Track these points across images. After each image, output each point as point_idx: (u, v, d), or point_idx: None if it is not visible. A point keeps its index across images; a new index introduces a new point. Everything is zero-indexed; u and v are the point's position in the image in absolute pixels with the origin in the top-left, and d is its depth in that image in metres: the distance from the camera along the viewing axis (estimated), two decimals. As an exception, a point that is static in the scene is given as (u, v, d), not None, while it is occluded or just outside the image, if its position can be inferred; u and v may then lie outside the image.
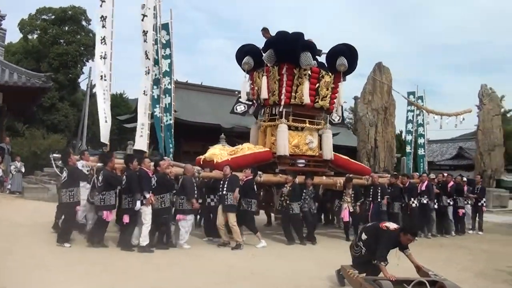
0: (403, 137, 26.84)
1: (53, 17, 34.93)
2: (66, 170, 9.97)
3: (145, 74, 12.10)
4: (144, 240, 9.67)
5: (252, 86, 13.81)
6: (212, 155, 12.22)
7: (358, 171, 14.08)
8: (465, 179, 16.00)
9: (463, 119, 18.76)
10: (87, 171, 10.63)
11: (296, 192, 11.80)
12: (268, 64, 12.76)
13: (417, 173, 16.84)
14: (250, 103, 13.76)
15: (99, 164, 10.37)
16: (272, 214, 14.27)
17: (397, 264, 6.70)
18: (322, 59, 13.51)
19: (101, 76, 11.81)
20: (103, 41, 11.86)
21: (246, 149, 12.77)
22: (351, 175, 13.32)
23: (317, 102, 13.08)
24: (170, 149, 13.55)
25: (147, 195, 9.64)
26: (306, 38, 12.63)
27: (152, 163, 10.36)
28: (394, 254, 6.90)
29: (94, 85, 25.35)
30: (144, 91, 12.15)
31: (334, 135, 14.46)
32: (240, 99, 13.90)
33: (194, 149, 22.65)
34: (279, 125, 12.68)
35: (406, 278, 6.38)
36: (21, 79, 20.50)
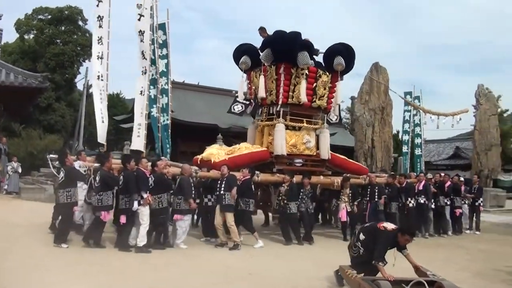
0: (400, 137, 26.80)
1: (49, 17, 34.89)
2: (63, 171, 9.92)
3: (142, 74, 12.07)
4: (142, 241, 9.64)
5: (249, 85, 13.81)
6: (209, 154, 12.19)
7: (356, 171, 14.08)
8: (462, 179, 16.00)
9: (460, 119, 18.77)
10: (84, 171, 10.60)
11: (293, 191, 11.79)
12: (265, 64, 12.75)
13: (414, 173, 16.86)
14: (248, 102, 13.72)
15: (96, 165, 10.33)
16: (270, 214, 14.24)
17: (393, 265, 6.68)
18: (319, 58, 13.50)
19: (98, 76, 11.79)
20: (100, 41, 11.85)
21: (244, 148, 12.75)
22: (348, 175, 13.32)
23: (315, 101, 13.08)
24: (167, 149, 13.52)
25: (145, 195, 9.61)
26: (303, 37, 12.61)
27: (149, 163, 10.34)
28: (391, 254, 6.89)
29: (91, 85, 25.29)
30: (141, 91, 12.12)
31: (331, 135, 14.46)
32: (237, 99, 13.86)
33: (191, 149, 22.60)
34: (276, 125, 12.66)
35: (405, 278, 6.38)
36: (18, 79, 20.46)
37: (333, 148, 14.16)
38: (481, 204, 16.10)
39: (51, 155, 11.55)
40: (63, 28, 35.08)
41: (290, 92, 12.73)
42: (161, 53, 13.70)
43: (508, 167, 36.11)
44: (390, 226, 7.11)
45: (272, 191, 13.01)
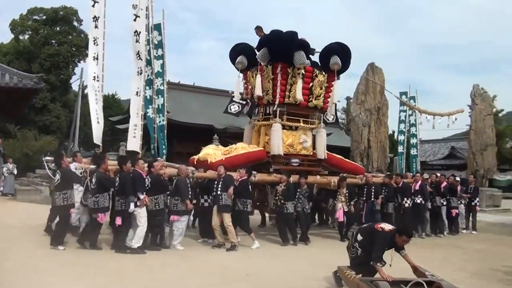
0: (395, 137, 26.82)
1: (44, 17, 34.88)
2: (59, 173, 9.85)
3: (138, 74, 12.02)
4: (137, 242, 9.59)
5: (246, 85, 13.77)
6: (206, 155, 12.15)
7: (352, 171, 14.07)
8: (458, 178, 16.03)
9: (456, 119, 18.76)
10: (80, 173, 10.54)
11: (290, 191, 11.78)
12: (262, 63, 12.71)
13: (411, 173, 16.87)
14: (244, 102, 13.68)
15: (92, 166, 10.28)
16: (267, 215, 14.22)
17: (390, 265, 6.66)
18: (315, 58, 13.49)
19: (94, 77, 11.74)
20: (95, 41, 11.80)
21: (240, 148, 12.71)
22: (345, 175, 13.31)
23: (311, 101, 13.06)
24: (163, 150, 13.47)
25: (141, 197, 9.56)
26: (299, 37, 12.60)
27: (146, 164, 10.30)
28: (388, 254, 6.88)
29: (86, 86, 25.30)
30: (137, 92, 12.08)
31: (327, 135, 14.43)
32: (234, 99, 13.82)
33: (187, 150, 22.56)
34: (273, 125, 12.63)
35: (403, 279, 6.37)
36: (13, 80, 20.39)
37: (329, 148, 14.14)
38: (478, 204, 16.14)
39: (47, 157, 11.50)
40: (58, 28, 35.07)
41: (286, 92, 12.70)
42: (156, 53, 13.64)
43: (503, 167, 36.23)
44: (387, 227, 7.10)
45: (269, 191, 13.00)
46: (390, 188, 13.60)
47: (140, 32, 11.99)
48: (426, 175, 15.34)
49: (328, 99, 13.55)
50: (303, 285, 7.84)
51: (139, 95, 12.09)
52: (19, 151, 26.35)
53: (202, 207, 11.45)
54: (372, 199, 13.09)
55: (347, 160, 15.25)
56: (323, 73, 13.16)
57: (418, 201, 13.87)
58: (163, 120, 13.62)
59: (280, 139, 12.55)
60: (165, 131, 13.65)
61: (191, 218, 12.17)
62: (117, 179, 9.86)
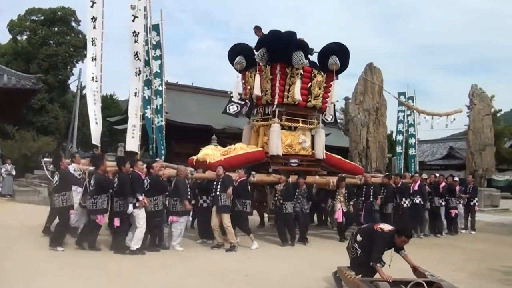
0: (393, 137, 26.82)
1: (42, 18, 34.83)
2: (57, 174, 9.84)
3: (136, 75, 12.02)
4: (136, 244, 9.56)
5: (244, 85, 13.77)
6: (204, 155, 12.13)
7: (351, 171, 14.09)
8: (456, 179, 16.00)
9: (454, 119, 18.78)
10: (79, 175, 10.51)
11: (289, 191, 11.76)
12: (260, 63, 12.70)
13: (409, 173, 16.86)
14: (243, 102, 13.66)
15: (91, 168, 10.25)
16: (265, 215, 14.21)
17: (389, 265, 6.66)
18: (314, 58, 13.49)
19: (92, 77, 11.73)
20: (93, 42, 11.79)
21: (239, 149, 12.71)
22: (343, 175, 13.31)
23: (310, 101, 13.06)
24: (161, 150, 13.46)
25: (140, 198, 9.54)
26: (298, 37, 12.60)
27: (145, 165, 10.28)
28: (388, 254, 6.87)
29: (84, 86, 25.27)
30: (135, 92, 12.08)
31: (325, 135, 14.42)
32: (232, 99, 13.80)
33: (185, 151, 22.51)
34: (272, 125, 12.63)
35: (403, 279, 6.36)
36: (11, 81, 20.34)
37: (328, 148, 14.13)
38: (476, 204, 16.14)
39: (46, 159, 11.47)
40: (56, 29, 35.03)
41: (285, 92, 12.70)
42: (155, 54, 13.64)
43: (502, 167, 36.28)
44: (387, 227, 7.09)
45: (268, 191, 12.99)
46: (389, 188, 13.60)
47: (138, 32, 12.00)
48: (425, 176, 15.33)
49: (327, 99, 13.55)
50: (302, 285, 7.83)
51: (138, 96, 12.10)
52: (18, 152, 26.34)
53: (201, 208, 11.43)
54: (371, 199, 13.10)
55: (346, 160, 15.27)
56: (322, 73, 13.17)
57: (417, 202, 13.87)
58: (162, 121, 13.62)
59: (279, 140, 12.55)
60: (164, 132, 13.65)
61: (190, 218, 12.16)
62: (116, 180, 9.83)
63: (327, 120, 14.34)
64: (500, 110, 41.63)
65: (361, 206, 13.17)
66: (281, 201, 11.67)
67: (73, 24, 35.88)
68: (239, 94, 13.78)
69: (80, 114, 30.10)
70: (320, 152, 13.34)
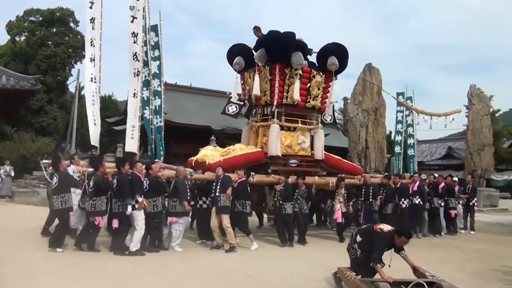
0: (392, 137, 26.84)
1: (40, 18, 34.84)
2: (56, 176, 9.80)
3: (135, 76, 12.01)
4: (135, 246, 9.53)
5: (243, 86, 13.76)
6: (204, 156, 12.12)
7: (350, 171, 14.08)
8: (455, 179, 15.97)
9: (453, 119, 18.78)
10: (78, 176, 10.49)
11: (288, 192, 11.75)
12: (259, 64, 12.69)
13: (408, 174, 16.85)
14: (242, 103, 13.65)
15: (90, 169, 10.22)
16: (265, 215, 14.19)
17: (389, 265, 6.66)
18: (313, 58, 13.48)
19: (91, 78, 11.73)
20: (92, 43, 11.78)
21: (238, 149, 12.70)
22: (343, 175, 13.30)
23: (309, 102, 13.06)
24: (160, 151, 13.46)
25: (140, 199, 9.52)
26: (296, 37, 12.59)
27: (144, 166, 10.25)
28: (387, 255, 6.87)
29: (83, 87, 25.26)
30: (134, 93, 12.07)
31: (324, 135, 14.41)
32: (231, 100, 13.79)
33: (184, 151, 22.52)
34: (271, 125, 12.61)
35: (404, 280, 6.36)
36: (10, 82, 20.32)
37: (327, 148, 14.12)
38: (475, 204, 16.13)
39: (45, 161, 11.45)
40: (54, 30, 35.04)
41: (284, 93, 12.69)
42: (153, 54, 13.65)
43: (500, 167, 36.28)
44: (386, 227, 7.08)
45: (267, 192, 12.97)
46: (388, 188, 13.59)
47: (137, 33, 12.00)
48: (424, 176, 15.31)
49: (326, 100, 13.54)
50: (302, 286, 7.82)
51: (137, 97, 12.09)
52: (16, 153, 26.33)
53: (200, 209, 11.42)
54: (370, 199, 13.10)
55: (345, 160, 15.27)
56: (321, 73, 13.16)
57: (417, 202, 13.86)
58: (161, 121, 13.64)
59: (278, 140, 12.54)
60: (163, 132, 13.67)
61: (189, 219, 12.15)
62: (115, 181, 9.82)
63: (326, 120, 14.33)
64: (499, 110, 41.67)
65: (360, 207, 13.17)
66: (281, 202, 11.66)
67: (72, 24, 35.92)
68: (238, 94, 13.78)
69: (78, 115, 30.09)
70: (319, 153, 13.34)
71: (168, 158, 15.51)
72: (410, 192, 13.94)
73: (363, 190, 13.32)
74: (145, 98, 13.12)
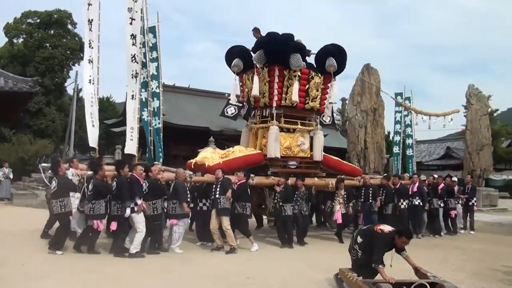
0: (391, 138, 26.82)
1: (38, 20, 34.83)
2: (55, 180, 9.76)
3: (133, 77, 11.98)
4: (135, 248, 9.51)
5: (242, 88, 13.75)
6: (203, 158, 12.11)
7: (349, 172, 14.06)
8: (455, 179, 15.97)
9: (451, 119, 18.81)
10: (78, 180, 10.45)
11: (288, 193, 11.73)
12: (258, 65, 12.67)
13: (408, 174, 16.84)
14: (241, 105, 13.63)
15: (90, 173, 10.19)
16: (264, 217, 14.17)
17: (390, 265, 6.65)
18: (311, 59, 13.47)
19: (89, 80, 11.70)
20: (90, 44, 11.77)
21: (238, 151, 12.67)
22: (342, 176, 13.28)
23: (308, 103, 13.05)
24: (159, 153, 13.44)
25: (139, 202, 9.49)
26: (295, 39, 12.58)
27: (143, 169, 10.22)
28: (388, 255, 6.86)
29: (81, 89, 25.22)
30: (133, 95, 12.03)
31: (323, 136, 14.40)
32: (230, 101, 13.77)
33: (183, 153, 22.56)
34: (270, 127, 12.59)
35: (405, 281, 6.36)
36: (8, 84, 20.25)
37: (325, 149, 14.11)
38: (475, 203, 16.11)
39: (44, 164, 11.40)
40: (52, 31, 35.02)
41: (283, 95, 12.69)
42: (151, 56, 13.63)
43: (499, 167, 36.31)
44: (387, 228, 7.08)
45: (267, 193, 12.95)
46: (388, 189, 13.58)
47: (135, 35, 11.97)
48: (423, 177, 15.30)
49: (325, 101, 13.53)
50: (303, 287, 7.82)
51: (135, 98, 12.05)
52: (15, 155, 26.29)
53: (200, 211, 11.39)
54: (370, 200, 13.09)
55: (344, 162, 15.25)
56: (319, 75, 13.16)
57: (416, 203, 13.86)
58: (159, 123, 13.61)
59: (277, 142, 12.52)
60: (161, 134, 13.64)
61: (188, 221, 12.14)
62: (114, 183, 9.79)
63: (325, 121, 14.32)
64: (497, 110, 41.69)
65: (360, 208, 13.16)
66: (280, 203, 11.65)
67: (69, 26, 35.92)
68: (237, 96, 13.76)
69: (77, 117, 30.04)
70: (319, 154, 13.32)
71: (167, 160, 15.51)
72: (410, 193, 13.93)
73: (363, 191, 13.30)
74: (144, 100, 13.09)
